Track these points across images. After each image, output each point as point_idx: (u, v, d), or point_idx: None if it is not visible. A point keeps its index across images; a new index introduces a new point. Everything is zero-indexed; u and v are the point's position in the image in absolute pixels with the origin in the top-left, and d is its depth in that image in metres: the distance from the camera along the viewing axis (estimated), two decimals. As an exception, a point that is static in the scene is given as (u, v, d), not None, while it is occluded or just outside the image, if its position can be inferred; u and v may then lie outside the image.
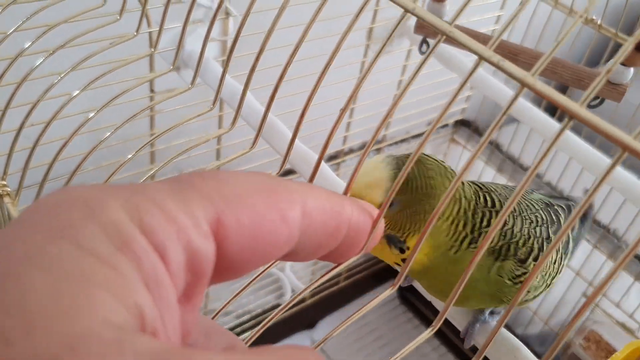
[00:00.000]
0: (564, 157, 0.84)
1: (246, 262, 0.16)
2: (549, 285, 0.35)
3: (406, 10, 0.23)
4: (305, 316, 0.82)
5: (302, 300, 0.97)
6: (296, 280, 0.74)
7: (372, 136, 0.23)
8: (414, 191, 0.29)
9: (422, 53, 0.58)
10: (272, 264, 0.25)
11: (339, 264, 0.25)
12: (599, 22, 0.74)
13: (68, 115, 0.39)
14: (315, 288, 0.93)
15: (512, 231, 0.32)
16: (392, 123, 0.86)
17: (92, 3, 0.39)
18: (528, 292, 0.34)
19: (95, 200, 0.14)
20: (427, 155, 0.32)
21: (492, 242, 0.32)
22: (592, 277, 0.88)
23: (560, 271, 0.36)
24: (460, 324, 0.35)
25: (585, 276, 0.88)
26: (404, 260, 0.31)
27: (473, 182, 0.34)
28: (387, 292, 0.24)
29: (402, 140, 0.91)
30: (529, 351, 0.31)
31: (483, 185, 0.34)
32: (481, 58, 0.21)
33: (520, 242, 0.32)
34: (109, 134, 0.34)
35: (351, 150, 0.85)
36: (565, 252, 0.37)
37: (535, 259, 0.33)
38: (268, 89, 0.28)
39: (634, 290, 0.86)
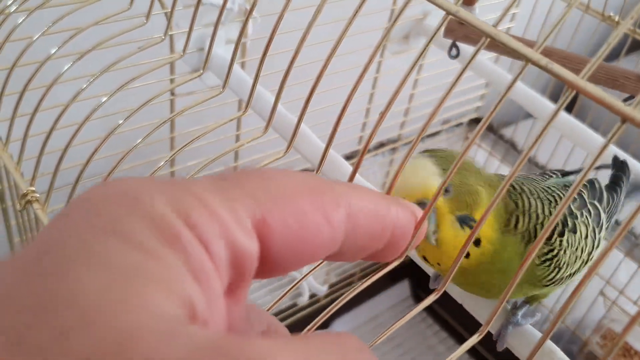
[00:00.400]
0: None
1: (290, 262, 0.17)
2: (587, 261, 0.35)
3: (449, 13, 0.23)
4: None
5: (317, 301, 0.97)
6: (313, 281, 0.74)
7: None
8: (459, 172, 0.31)
9: (452, 57, 0.57)
10: (319, 264, 0.25)
11: (379, 271, 0.24)
12: (616, 18, 0.73)
13: (92, 119, 0.39)
14: (330, 289, 0.92)
15: (537, 213, 0.33)
16: (407, 122, 0.86)
17: (116, 7, 0.39)
18: (560, 269, 0.34)
19: (141, 194, 0.14)
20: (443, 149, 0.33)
21: (522, 225, 0.32)
22: (609, 274, 0.87)
23: (598, 245, 0.36)
24: (492, 326, 0.35)
25: (602, 274, 0.88)
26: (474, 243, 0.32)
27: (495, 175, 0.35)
28: (431, 297, 0.24)
29: (417, 139, 0.91)
30: (563, 354, 0.31)
31: (502, 176, 0.35)
32: (528, 61, 0.21)
33: (546, 222, 0.33)
34: (139, 140, 0.34)
35: (367, 150, 0.85)
36: (598, 224, 0.36)
37: (561, 234, 0.33)
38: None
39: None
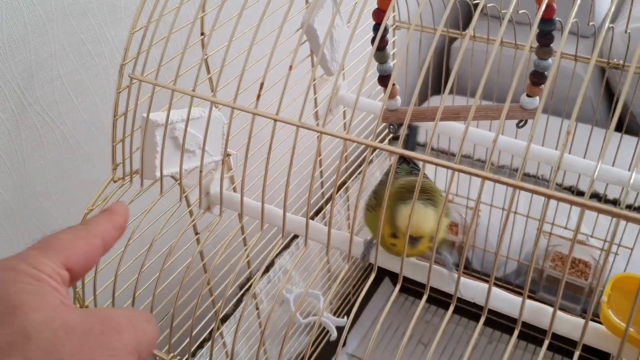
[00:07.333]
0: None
1: (84, 272, 0.34)
2: None
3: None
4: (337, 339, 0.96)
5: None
6: (332, 317, 0.86)
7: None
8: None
9: (392, 132, 0.71)
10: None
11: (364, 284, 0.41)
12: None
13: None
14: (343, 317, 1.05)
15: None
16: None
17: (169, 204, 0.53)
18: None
19: (18, 265, 0.31)
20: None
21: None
22: (539, 215, 1.09)
23: None
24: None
25: (534, 216, 1.09)
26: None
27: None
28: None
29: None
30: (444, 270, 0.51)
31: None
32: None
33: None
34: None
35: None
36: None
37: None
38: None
39: (573, 212, 1.09)
